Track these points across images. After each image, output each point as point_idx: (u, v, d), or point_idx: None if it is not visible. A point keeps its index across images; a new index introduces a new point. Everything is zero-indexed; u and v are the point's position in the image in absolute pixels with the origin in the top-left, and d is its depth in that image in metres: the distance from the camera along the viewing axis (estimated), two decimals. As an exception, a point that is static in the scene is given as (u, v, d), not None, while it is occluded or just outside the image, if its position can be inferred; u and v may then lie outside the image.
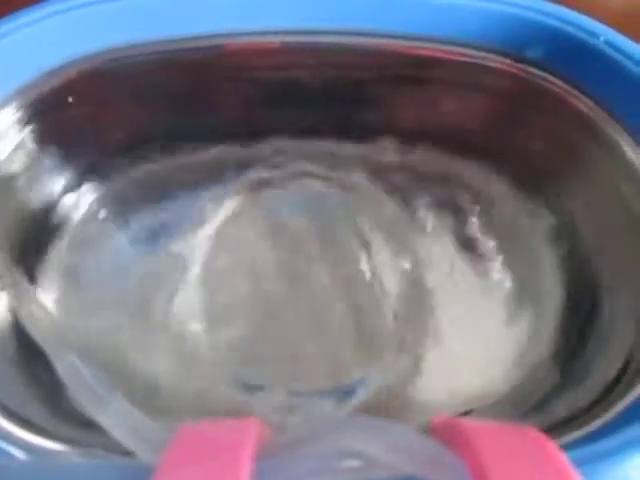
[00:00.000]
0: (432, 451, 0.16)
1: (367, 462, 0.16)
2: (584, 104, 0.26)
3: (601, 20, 0.25)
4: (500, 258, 0.29)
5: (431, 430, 0.18)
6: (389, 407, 0.25)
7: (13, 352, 0.24)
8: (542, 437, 0.16)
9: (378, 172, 0.31)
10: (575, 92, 0.26)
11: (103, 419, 0.20)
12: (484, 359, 0.26)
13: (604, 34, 0.24)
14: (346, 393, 0.26)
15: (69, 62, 0.27)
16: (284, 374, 0.26)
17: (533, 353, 0.26)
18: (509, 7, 0.26)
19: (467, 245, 0.30)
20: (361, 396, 0.26)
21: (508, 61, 0.27)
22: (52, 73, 0.27)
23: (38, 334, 0.23)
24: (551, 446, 0.15)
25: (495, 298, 0.28)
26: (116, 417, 0.20)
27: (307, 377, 0.26)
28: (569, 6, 0.26)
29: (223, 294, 0.29)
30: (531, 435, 0.16)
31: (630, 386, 0.21)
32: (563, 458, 0.15)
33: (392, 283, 0.29)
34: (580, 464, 0.16)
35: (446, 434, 0.17)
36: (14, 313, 0.24)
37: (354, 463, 0.16)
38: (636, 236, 0.24)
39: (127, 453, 0.19)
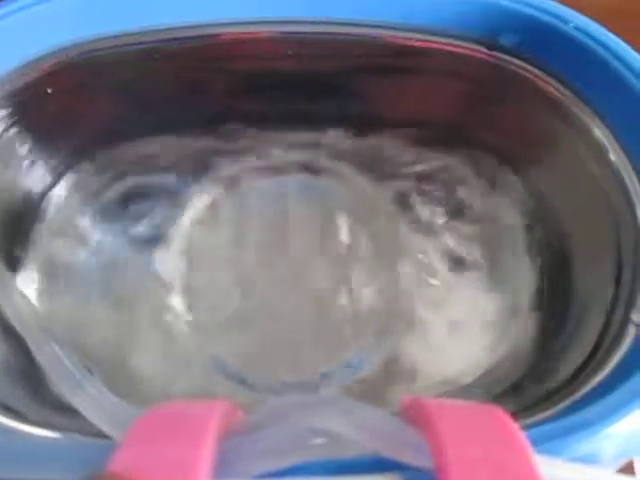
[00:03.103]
0: (395, 429, 0.16)
1: (333, 440, 0.16)
2: (556, 89, 0.26)
3: (595, 17, 0.26)
4: (476, 243, 0.29)
5: (401, 410, 0.19)
6: (365, 393, 0.26)
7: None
8: (503, 416, 0.16)
9: (360, 160, 0.32)
10: (547, 78, 0.26)
11: (79, 403, 0.20)
12: (460, 343, 0.27)
13: (574, 20, 0.25)
14: (324, 380, 0.26)
15: (49, 53, 0.27)
16: (266, 363, 0.27)
17: (509, 338, 0.27)
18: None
19: (444, 231, 0.30)
20: (339, 383, 0.26)
21: (482, 49, 0.27)
22: (32, 64, 0.27)
23: (18, 322, 0.23)
24: (511, 425, 0.15)
25: (471, 283, 0.29)
26: (92, 401, 0.20)
27: (286, 366, 0.27)
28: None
29: (205, 284, 0.29)
30: (493, 414, 0.16)
31: (598, 368, 0.21)
32: (521, 436, 0.15)
33: (372, 271, 0.29)
34: (549, 439, 0.17)
35: (411, 413, 0.17)
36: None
37: (321, 440, 0.16)
38: (608, 217, 0.25)
39: (104, 436, 0.19)
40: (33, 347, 0.22)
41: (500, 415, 0.16)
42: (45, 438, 0.19)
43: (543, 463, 0.15)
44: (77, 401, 0.20)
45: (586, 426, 0.17)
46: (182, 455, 0.13)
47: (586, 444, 0.17)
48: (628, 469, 0.26)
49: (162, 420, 0.15)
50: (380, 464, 0.16)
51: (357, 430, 0.16)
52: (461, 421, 0.16)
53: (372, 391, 0.26)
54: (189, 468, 0.13)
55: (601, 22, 0.25)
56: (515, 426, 0.15)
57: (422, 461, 0.15)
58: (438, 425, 0.15)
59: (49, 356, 0.22)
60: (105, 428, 0.19)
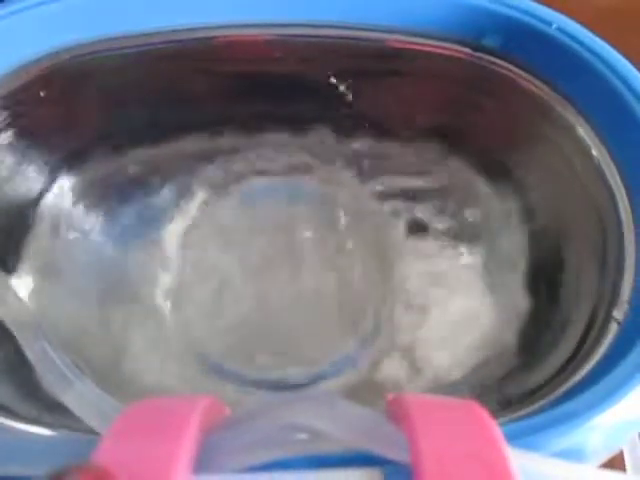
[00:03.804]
0: (375, 424, 0.16)
1: (314, 435, 0.16)
2: (539, 89, 0.27)
3: (582, 20, 0.26)
4: (466, 244, 0.30)
5: (385, 406, 0.19)
6: (353, 392, 0.26)
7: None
8: (480, 411, 0.16)
9: (351, 162, 0.32)
10: (530, 77, 0.27)
11: (70, 400, 0.20)
12: (447, 342, 0.27)
13: (556, 21, 0.25)
14: (319, 377, 0.27)
15: (42, 56, 0.27)
16: (256, 361, 0.27)
17: (495, 336, 0.27)
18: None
19: (433, 230, 0.30)
20: (328, 381, 0.27)
21: (467, 50, 0.28)
22: (25, 67, 0.27)
23: (10, 320, 0.23)
24: (487, 419, 0.16)
25: (461, 284, 0.29)
26: (82, 398, 0.20)
27: (276, 364, 0.27)
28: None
29: (198, 284, 0.29)
30: (470, 409, 0.16)
31: (581, 364, 0.21)
32: (496, 430, 0.15)
33: (363, 272, 0.29)
34: (532, 432, 0.17)
35: (393, 409, 0.18)
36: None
37: (302, 436, 0.16)
38: (591, 214, 0.25)
39: (94, 433, 0.19)
40: (24, 345, 0.22)
41: (477, 410, 0.16)
42: (35, 435, 0.20)
43: (517, 456, 0.15)
44: (67, 399, 0.21)
45: (569, 419, 0.18)
46: (162, 449, 0.14)
47: (570, 436, 0.17)
48: (618, 461, 0.27)
49: (144, 415, 0.15)
50: (361, 459, 0.16)
51: (338, 426, 0.16)
52: (438, 416, 0.16)
53: (360, 390, 0.26)
54: (169, 462, 0.13)
55: (589, 23, 0.26)
56: (491, 421, 0.15)
57: (402, 456, 0.16)
58: (415, 420, 0.15)
59: (40, 354, 0.22)
60: (95, 425, 0.19)
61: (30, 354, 0.22)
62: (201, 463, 0.15)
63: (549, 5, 0.26)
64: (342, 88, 0.31)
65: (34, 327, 0.23)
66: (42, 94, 0.28)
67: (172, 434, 0.14)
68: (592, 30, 0.26)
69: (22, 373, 0.23)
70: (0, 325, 0.23)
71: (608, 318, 0.22)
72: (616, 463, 0.27)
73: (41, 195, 0.30)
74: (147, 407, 0.16)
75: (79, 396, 0.20)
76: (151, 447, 0.14)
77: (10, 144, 0.28)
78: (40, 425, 0.20)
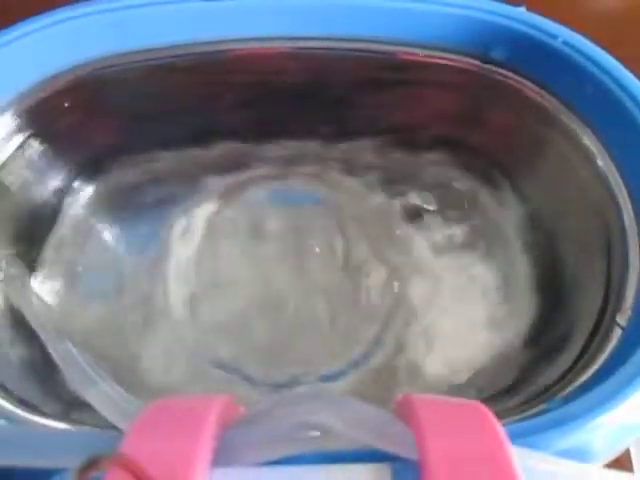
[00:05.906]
0: (384, 423, 0.17)
1: (326, 433, 0.17)
2: (546, 99, 0.27)
3: (581, 29, 0.27)
4: (470, 246, 0.31)
5: (394, 406, 0.20)
6: (362, 392, 0.27)
7: (10, 334, 0.25)
8: (485, 411, 0.17)
9: (358, 170, 0.33)
10: (537, 88, 0.28)
11: (91, 398, 0.21)
12: (454, 344, 0.28)
13: (562, 35, 0.26)
14: (327, 379, 0.28)
15: (65, 70, 0.28)
16: (268, 361, 0.28)
17: (501, 339, 0.27)
18: (475, 12, 0.27)
19: (438, 233, 0.31)
20: (337, 381, 0.27)
21: (476, 62, 0.28)
22: (50, 79, 0.28)
23: (35, 321, 0.24)
24: (491, 419, 0.16)
25: (467, 285, 0.30)
26: (104, 396, 0.21)
27: (287, 364, 0.28)
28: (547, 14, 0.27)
29: (210, 285, 0.30)
30: (475, 409, 0.17)
31: (585, 368, 0.22)
32: (500, 429, 0.16)
33: (369, 273, 0.30)
34: (535, 432, 0.18)
35: (401, 408, 0.18)
36: (12, 300, 0.26)
37: (314, 433, 0.17)
38: (596, 222, 0.26)
39: (115, 429, 0.20)
40: (49, 345, 0.23)
41: (482, 410, 0.17)
42: (60, 430, 0.20)
43: (521, 455, 0.15)
44: (90, 396, 0.21)
45: (572, 419, 0.18)
46: (183, 443, 0.14)
47: (573, 436, 0.18)
48: (625, 461, 0.27)
49: (165, 412, 0.16)
50: (370, 455, 0.17)
51: (349, 424, 0.17)
52: (445, 415, 0.17)
53: (370, 390, 0.27)
54: (189, 455, 0.14)
55: (588, 31, 0.26)
56: (495, 420, 0.16)
57: (410, 453, 0.16)
58: (422, 419, 0.16)
59: (63, 354, 0.23)
60: (116, 422, 0.20)
61: (54, 354, 0.23)
62: (219, 457, 0.15)
63: (551, 17, 0.27)
64: (353, 98, 0.31)
65: (57, 328, 0.24)
66: (66, 105, 0.29)
67: (192, 430, 0.15)
68: (591, 38, 0.26)
69: (47, 372, 0.24)
70: (25, 326, 0.25)
71: (612, 324, 0.23)
72: (624, 462, 0.27)
73: (63, 201, 0.31)
74: (167, 405, 0.17)
75: (102, 394, 0.21)
76: (172, 442, 0.15)
77: (35, 152, 0.29)
78: (64, 421, 0.21)
